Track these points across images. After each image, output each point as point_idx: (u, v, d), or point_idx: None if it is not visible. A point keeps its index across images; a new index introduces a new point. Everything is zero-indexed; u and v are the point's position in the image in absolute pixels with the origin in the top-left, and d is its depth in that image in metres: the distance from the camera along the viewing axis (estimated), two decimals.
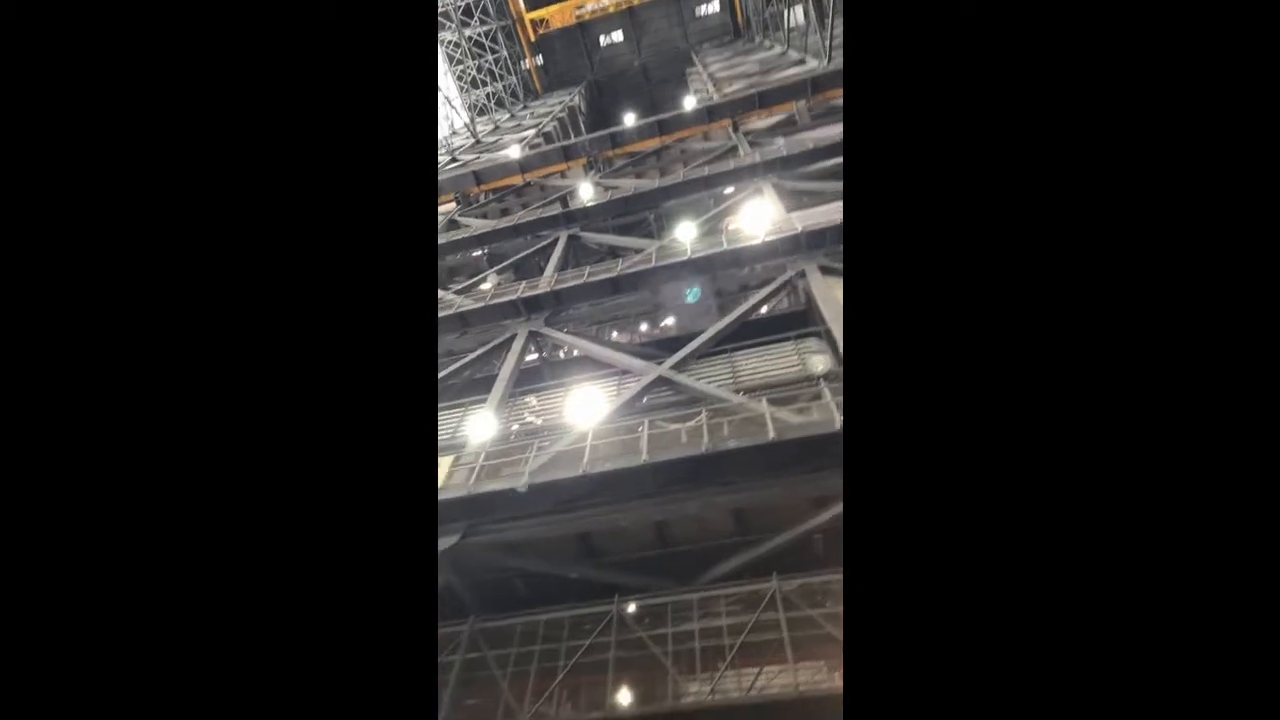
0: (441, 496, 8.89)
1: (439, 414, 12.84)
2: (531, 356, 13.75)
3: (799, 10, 27.44)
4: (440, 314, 13.97)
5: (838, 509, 8.15)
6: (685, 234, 14.65)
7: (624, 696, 7.56)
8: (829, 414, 7.96)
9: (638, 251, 14.12)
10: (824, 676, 8.39)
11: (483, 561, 8.92)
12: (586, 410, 10.46)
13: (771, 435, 7.74)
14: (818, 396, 9.27)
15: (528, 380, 13.12)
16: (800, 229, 12.24)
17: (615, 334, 16.61)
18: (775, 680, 7.64)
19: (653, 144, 21.66)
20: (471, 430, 10.81)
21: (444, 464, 9.81)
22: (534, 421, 12.24)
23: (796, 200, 15.11)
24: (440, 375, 12.80)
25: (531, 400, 12.86)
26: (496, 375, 12.20)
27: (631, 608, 8.21)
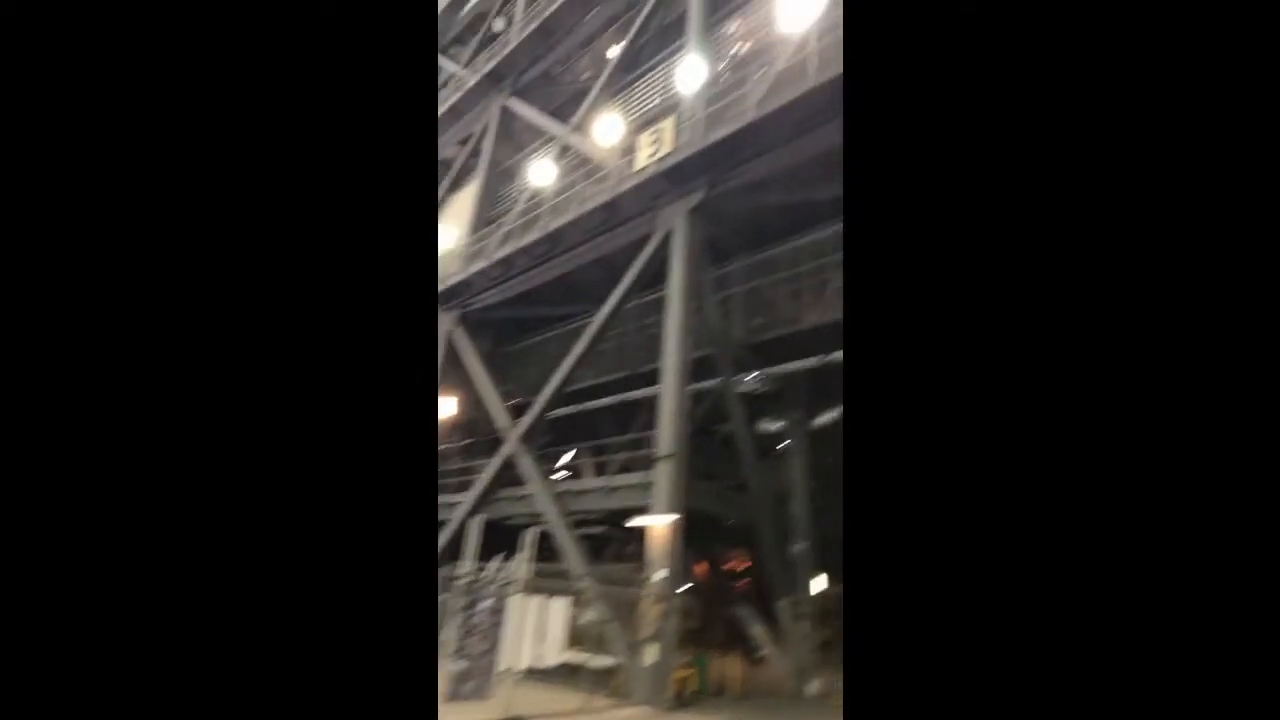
0: (675, 158, 9.09)
1: (646, 77, 12.28)
2: None
3: None
4: None
5: None
6: None
7: None
8: None
9: None
10: None
11: (735, 206, 9.29)
12: (798, 11, 8.75)
13: None
14: None
15: (723, 2, 11.28)
16: None
17: None
18: None
19: None
20: (681, 82, 10.20)
21: (667, 127, 9.75)
22: (744, 49, 10.87)
23: None
24: (630, 34, 11.82)
25: (733, 25, 11.23)
26: (686, 10, 10.73)
27: None
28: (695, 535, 8.31)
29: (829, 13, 8.23)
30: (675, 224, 9.10)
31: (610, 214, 10.11)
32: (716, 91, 9.70)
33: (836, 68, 7.43)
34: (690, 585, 9.14)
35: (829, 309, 8.51)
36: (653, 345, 9.52)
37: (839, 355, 8.98)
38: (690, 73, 9.96)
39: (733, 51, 11.04)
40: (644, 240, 9.57)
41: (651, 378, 8.61)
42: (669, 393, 8.22)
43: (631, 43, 11.89)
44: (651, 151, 9.74)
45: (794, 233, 9.33)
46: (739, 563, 11.50)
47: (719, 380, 9.41)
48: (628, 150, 10.48)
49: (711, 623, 9.72)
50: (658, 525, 7.56)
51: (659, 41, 12.00)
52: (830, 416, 10.12)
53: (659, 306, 9.15)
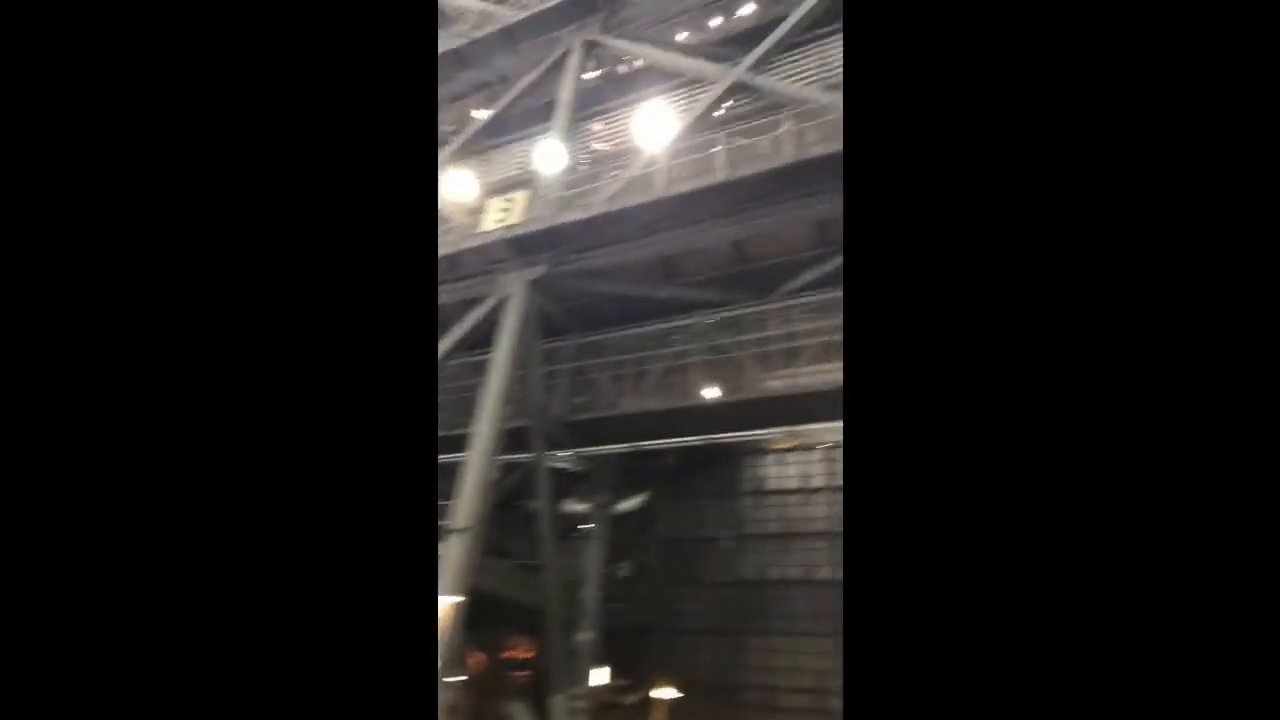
0: (524, 230, 9.21)
1: (507, 147, 12.51)
2: (591, 75, 12.48)
3: None
4: (484, 30, 12.56)
5: None
6: None
7: (710, 391, 8.66)
8: None
9: None
10: None
11: (573, 287, 9.57)
12: (657, 130, 9.77)
13: None
14: None
15: (591, 102, 12.15)
16: None
17: (684, 35, 14.45)
18: None
19: None
20: (540, 161, 10.57)
21: (519, 199, 9.92)
22: (602, 149, 11.71)
23: None
24: (499, 105, 12.10)
25: (597, 126, 12.11)
26: (556, 99, 11.35)
27: (714, 319, 8.83)
28: (479, 619, 7.68)
29: (684, 135, 9.28)
30: (514, 290, 9.07)
31: (450, 268, 9.78)
32: (573, 179, 10.20)
33: (683, 184, 8.30)
34: (463, 677, 8.31)
35: (646, 398, 8.95)
36: (467, 408, 9.08)
37: (649, 444, 9.38)
38: (550, 155, 10.39)
39: (593, 147, 11.81)
40: (477, 300, 9.34)
41: (459, 443, 8.13)
42: (477, 460, 7.80)
43: (499, 113, 12.13)
44: (500, 217, 9.78)
45: (624, 323, 9.82)
46: (521, 651, 10.81)
47: (531, 454, 9.20)
48: (476, 210, 10.40)
49: (481, 718, 8.85)
50: (440, 606, 6.86)
51: (524, 119, 12.41)
52: (634, 503, 10.37)
53: (481, 370, 8.85)
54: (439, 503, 8.10)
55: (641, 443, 9.25)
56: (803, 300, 8.51)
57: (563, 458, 10.00)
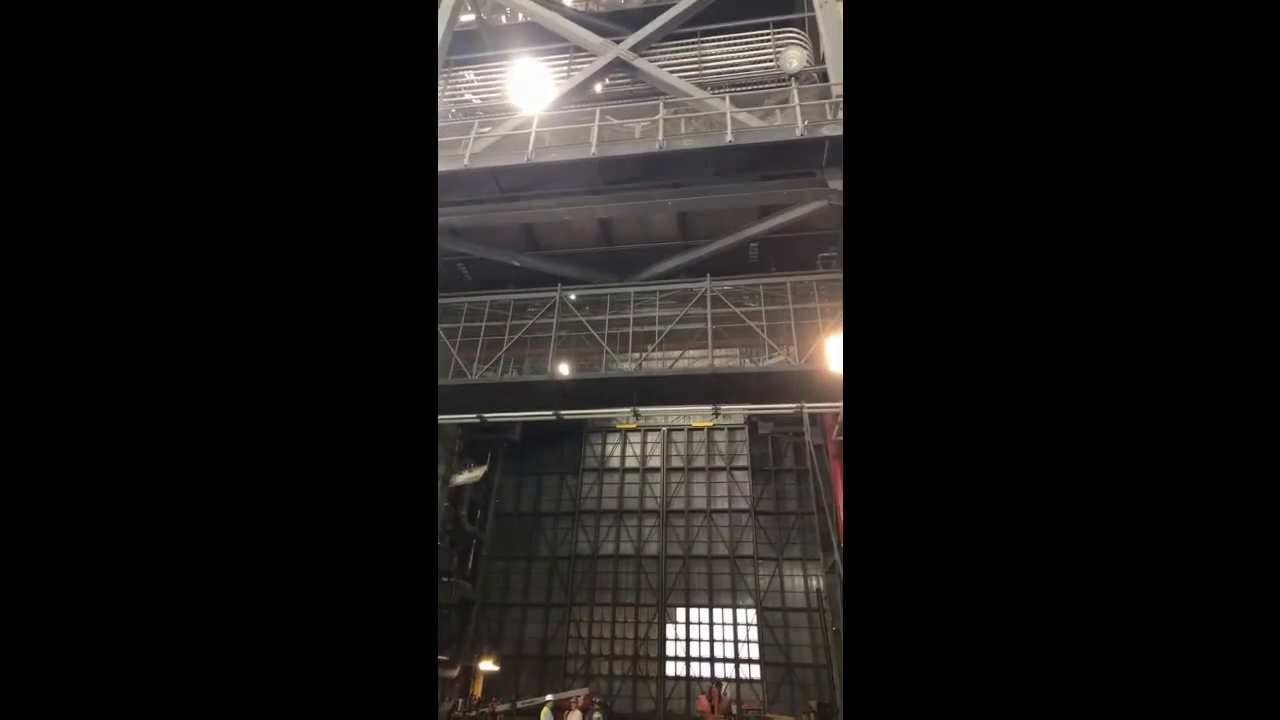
0: None
1: None
2: (468, 16, 11.63)
3: None
4: None
5: (779, 219, 8.40)
6: None
7: (563, 367, 8.64)
8: (791, 119, 7.55)
9: None
10: (735, 360, 9.76)
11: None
12: (533, 91, 9.40)
13: (729, 138, 7.40)
14: (784, 100, 8.66)
15: (464, 48, 11.34)
16: None
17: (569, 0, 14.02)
18: (695, 362, 8.84)
19: None
20: None
21: None
22: (472, 100, 11.01)
23: None
24: None
25: (469, 75, 11.34)
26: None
27: (573, 295, 8.79)
28: None
29: (556, 105, 9.03)
30: None
31: None
32: (441, 126, 9.46)
33: (555, 153, 8.10)
34: None
35: (501, 369, 8.68)
36: None
37: (495, 416, 9.13)
38: None
39: (464, 96, 11.06)
40: None
41: None
42: None
43: None
44: None
45: (482, 288, 9.43)
46: None
47: None
48: None
49: None
50: None
51: None
52: (471, 476, 10.00)
53: None
54: None
55: (486, 414, 8.97)
56: (662, 287, 8.79)
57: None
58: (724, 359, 9.23)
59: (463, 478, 10.38)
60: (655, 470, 17.93)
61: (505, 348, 8.41)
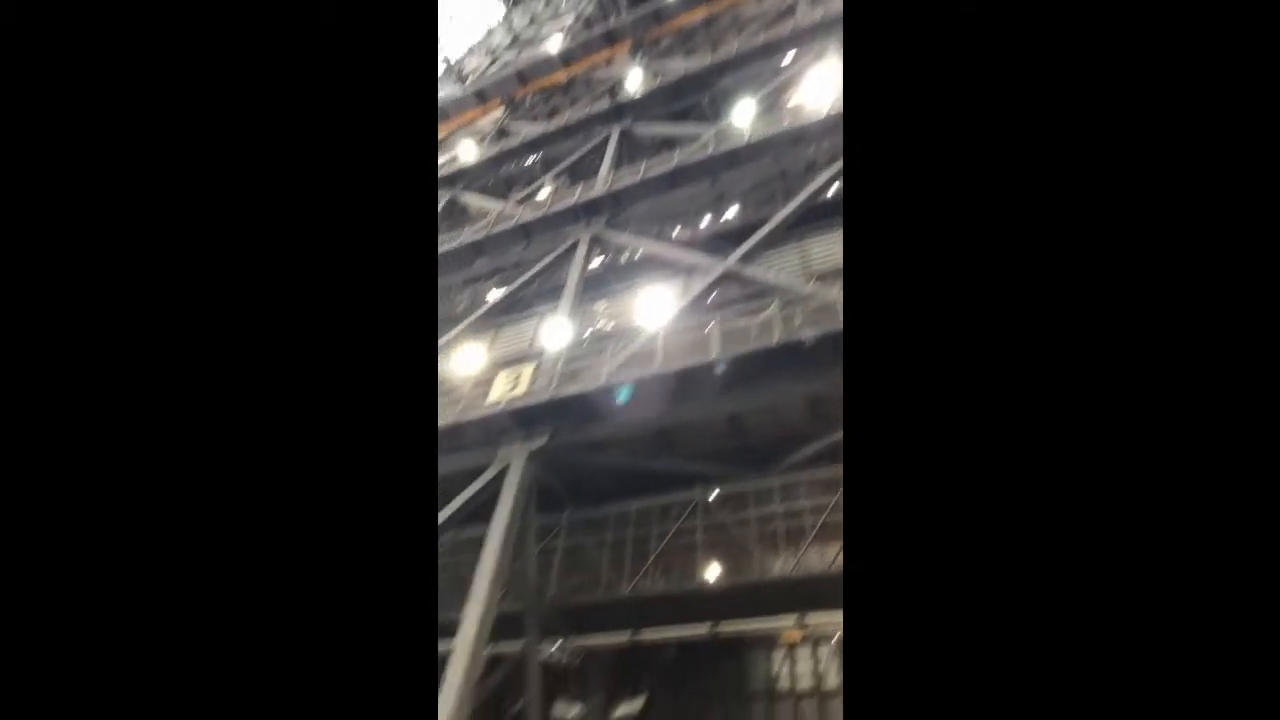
0: (527, 402, 9.42)
1: (517, 323, 13.31)
2: (595, 263, 13.76)
3: None
4: (502, 227, 14.06)
5: None
6: (743, 115, 13.64)
7: (713, 572, 8.17)
8: None
9: (694, 139, 13.37)
10: None
11: (572, 459, 9.53)
12: (655, 311, 10.50)
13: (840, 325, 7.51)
14: None
15: (595, 286, 13.22)
16: None
17: (678, 229, 16.22)
18: None
19: (700, 14, 19.75)
20: (546, 338, 11.17)
21: (525, 371, 10.31)
22: (604, 327, 12.47)
23: None
24: (513, 286, 13.12)
25: (600, 306, 13.03)
26: (564, 283, 12.36)
27: (714, 495, 8.65)
28: None
29: (680, 317, 9.92)
30: (513, 462, 9.01)
31: (454, 437, 9.83)
32: (576, 354, 10.70)
33: (680, 360, 8.69)
34: None
35: (650, 580, 8.42)
36: (456, 589, 8.50)
37: (651, 633, 8.62)
38: (556, 331, 11.03)
39: (596, 325, 12.58)
40: (477, 471, 9.24)
41: (449, 629, 7.47)
42: (463, 654, 7.08)
43: (511, 294, 13.14)
44: (508, 389, 10.06)
45: (624, 497, 9.62)
46: None
47: (522, 644, 8.40)
48: (484, 383, 10.74)
49: None
50: None
51: (534, 300, 13.38)
52: (631, 709, 9.22)
53: (471, 546, 8.44)
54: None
55: (640, 632, 8.49)
56: (805, 475, 8.42)
57: (555, 649, 9.11)
58: None
59: (623, 710, 9.53)
60: (833, 695, 15.27)
61: (650, 559, 8.22)
